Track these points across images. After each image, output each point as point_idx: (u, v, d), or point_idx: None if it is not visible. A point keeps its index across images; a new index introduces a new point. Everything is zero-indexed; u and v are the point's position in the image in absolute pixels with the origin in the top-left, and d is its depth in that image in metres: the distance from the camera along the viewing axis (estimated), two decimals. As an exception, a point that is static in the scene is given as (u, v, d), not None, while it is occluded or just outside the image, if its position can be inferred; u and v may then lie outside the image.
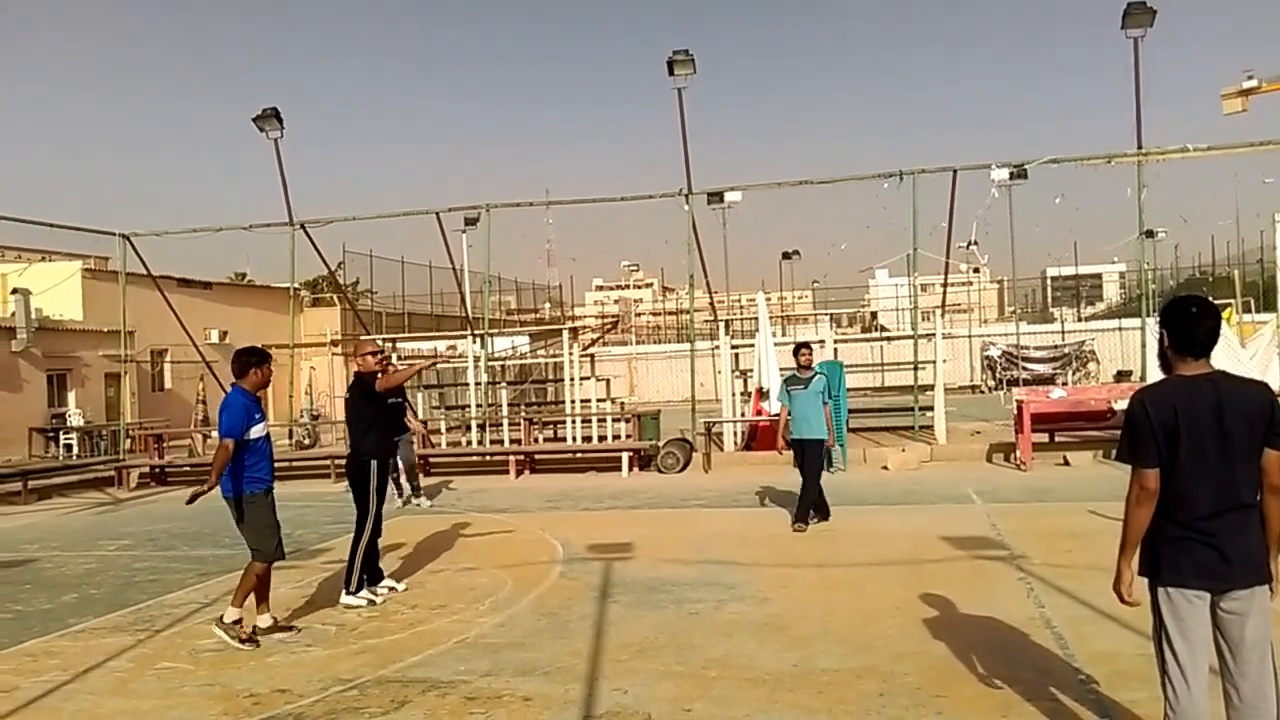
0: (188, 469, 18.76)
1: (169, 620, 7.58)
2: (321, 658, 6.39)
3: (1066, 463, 15.01)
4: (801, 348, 10.85)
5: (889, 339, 30.36)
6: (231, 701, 5.59)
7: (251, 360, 6.98)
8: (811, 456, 10.29)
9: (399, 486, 13.64)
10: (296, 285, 23.96)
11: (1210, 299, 4.06)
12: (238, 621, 6.69)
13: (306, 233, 21.17)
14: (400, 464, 13.55)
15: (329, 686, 5.74)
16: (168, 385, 28.92)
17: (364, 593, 7.80)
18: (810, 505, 10.24)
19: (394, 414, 13.32)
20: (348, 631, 7.02)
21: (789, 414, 10.57)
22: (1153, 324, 17.21)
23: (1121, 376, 27.66)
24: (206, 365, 23.81)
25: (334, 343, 29.92)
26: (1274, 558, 3.59)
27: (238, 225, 21.88)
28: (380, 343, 10.44)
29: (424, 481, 16.03)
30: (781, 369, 18.55)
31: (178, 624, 7.46)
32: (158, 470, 18.48)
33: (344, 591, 7.78)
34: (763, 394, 17.51)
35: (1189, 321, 3.63)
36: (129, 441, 21.73)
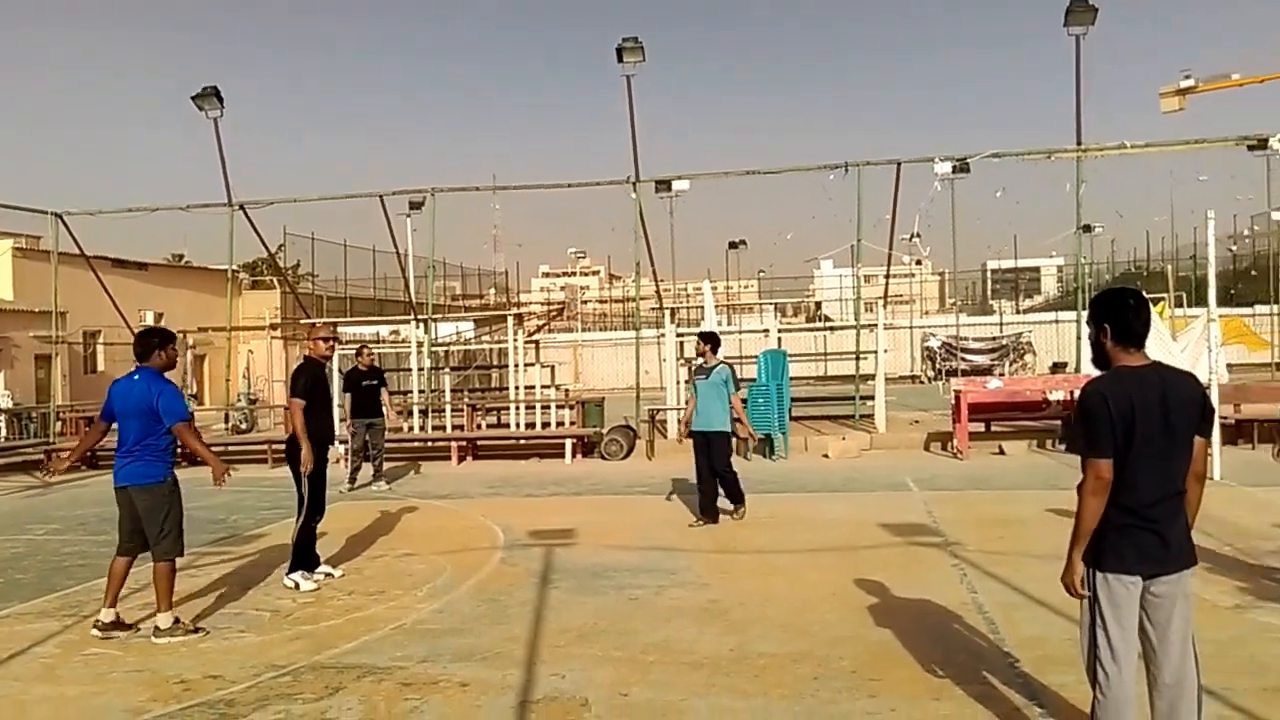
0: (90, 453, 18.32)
1: (98, 605, 7.35)
2: (255, 644, 6.30)
3: (1002, 452, 15.28)
4: (698, 338, 10.46)
5: (832, 329, 30.58)
6: (161, 688, 5.49)
7: (155, 341, 6.70)
8: (716, 448, 9.90)
9: (354, 473, 13.59)
10: (235, 267, 23.50)
11: (1142, 290, 4.17)
12: (176, 621, 6.50)
13: (246, 214, 20.78)
14: (371, 448, 13.74)
15: (261, 673, 5.66)
16: (100, 367, 28.29)
17: (297, 575, 7.74)
18: (738, 491, 10.00)
19: (367, 397, 13.43)
20: (282, 617, 6.92)
21: (695, 406, 10.09)
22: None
23: (1057, 368, 28.20)
24: (141, 347, 23.24)
25: (273, 326, 29.42)
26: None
27: (175, 205, 21.45)
28: (334, 328, 10.18)
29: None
30: (725, 358, 18.68)
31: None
32: (89, 454, 18.00)
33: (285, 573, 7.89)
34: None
35: (1130, 314, 3.72)
36: (60, 424, 21.20)
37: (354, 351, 14.75)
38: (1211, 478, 11.41)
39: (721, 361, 10.19)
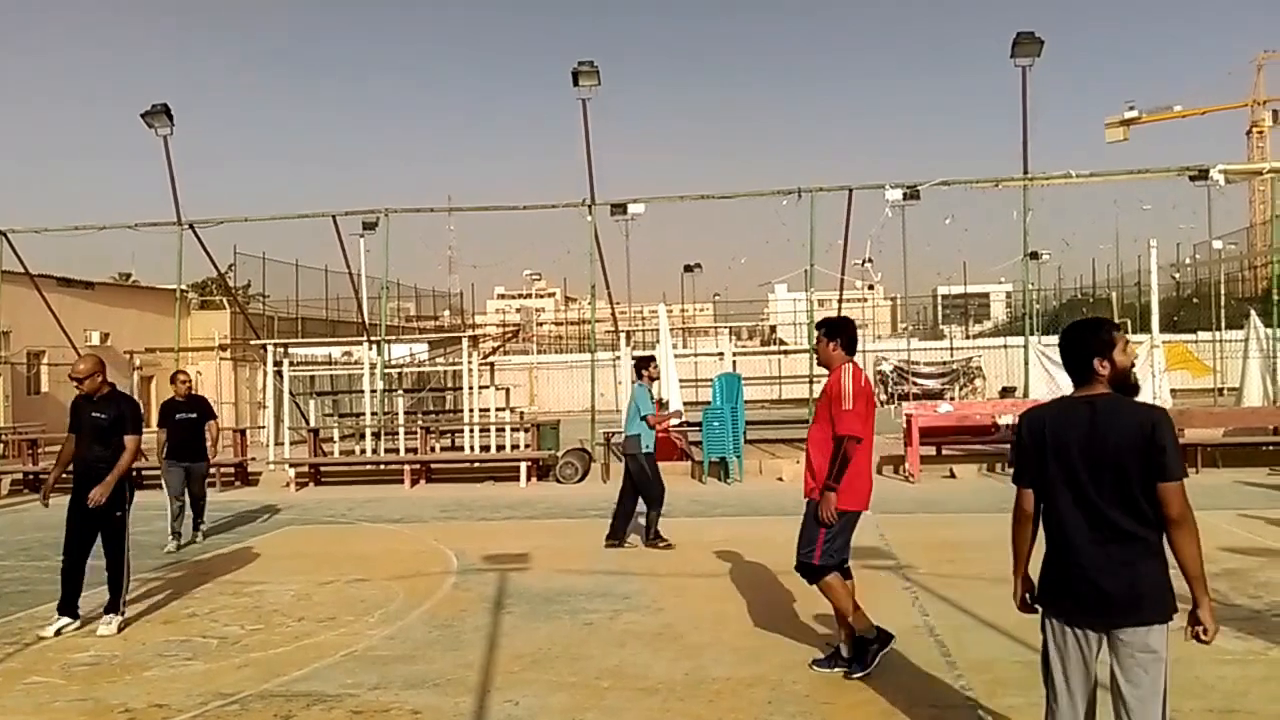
0: (65, 475, 17.93)
1: (40, 633, 7.24)
2: (201, 671, 6.18)
3: (952, 475, 15.45)
4: (650, 361, 11.05)
5: (786, 352, 30.89)
6: (105, 717, 5.38)
7: None
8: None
9: (176, 527, 10.93)
10: (184, 287, 23.16)
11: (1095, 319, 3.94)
12: None
13: (195, 233, 20.49)
14: (193, 499, 11.32)
15: (209, 701, 5.56)
16: (44, 388, 27.65)
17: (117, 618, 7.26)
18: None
19: (185, 433, 11.12)
20: (229, 645, 6.80)
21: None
22: (1041, 344, 17.86)
23: (1006, 392, 28.66)
24: (86, 368, 22.80)
25: (223, 347, 29.02)
26: (1199, 598, 3.35)
27: (123, 223, 21.06)
28: (96, 362, 7.79)
29: (308, 493, 15.69)
30: (681, 380, 18.76)
31: (50, 637, 7.13)
32: (32, 477, 17.64)
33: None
34: (662, 405, 17.60)
35: (1061, 346, 3.65)
36: (2, 446, 20.71)
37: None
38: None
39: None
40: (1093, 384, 3.49)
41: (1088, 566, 3.37)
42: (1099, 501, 3.36)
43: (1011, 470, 3.70)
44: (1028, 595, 3.74)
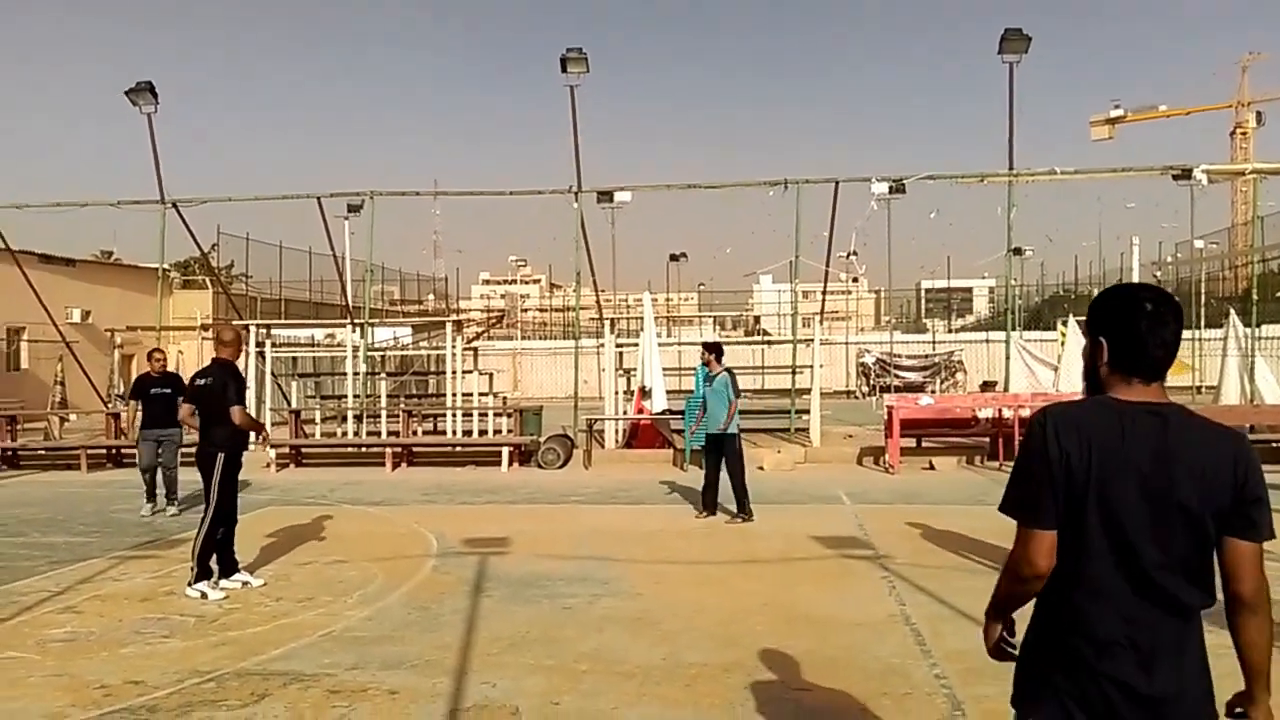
0: (43, 452, 17.86)
1: (16, 608, 7.21)
2: (178, 649, 6.18)
3: (932, 467, 15.53)
4: (703, 348, 11.37)
5: (770, 343, 30.91)
6: (81, 693, 5.36)
7: None
8: (726, 449, 10.91)
9: (154, 496, 11.65)
10: (166, 266, 23.01)
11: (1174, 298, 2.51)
12: None
13: (179, 212, 20.37)
14: (163, 469, 11.73)
15: (185, 679, 5.56)
16: (24, 365, 27.46)
17: (203, 584, 7.54)
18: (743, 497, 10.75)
19: (159, 407, 11.50)
20: (207, 623, 6.80)
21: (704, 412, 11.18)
22: (1023, 339, 17.92)
23: (986, 386, 28.77)
24: (66, 345, 22.69)
25: (204, 327, 28.88)
26: (1257, 696, 2.38)
27: (105, 200, 20.93)
28: (239, 329, 8.51)
29: (288, 474, 15.62)
30: (665, 369, 18.76)
31: (25, 612, 7.11)
32: (10, 453, 17.52)
33: (188, 584, 7.64)
34: (645, 392, 17.63)
35: (1144, 325, 2.35)
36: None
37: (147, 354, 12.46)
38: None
39: (725, 369, 11.02)
40: (1151, 386, 2.41)
41: (1120, 658, 2.25)
42: (1157, 562, 2.24)
43: (1014, 504, 2.38)
44: (1005, 638, 2.61)
